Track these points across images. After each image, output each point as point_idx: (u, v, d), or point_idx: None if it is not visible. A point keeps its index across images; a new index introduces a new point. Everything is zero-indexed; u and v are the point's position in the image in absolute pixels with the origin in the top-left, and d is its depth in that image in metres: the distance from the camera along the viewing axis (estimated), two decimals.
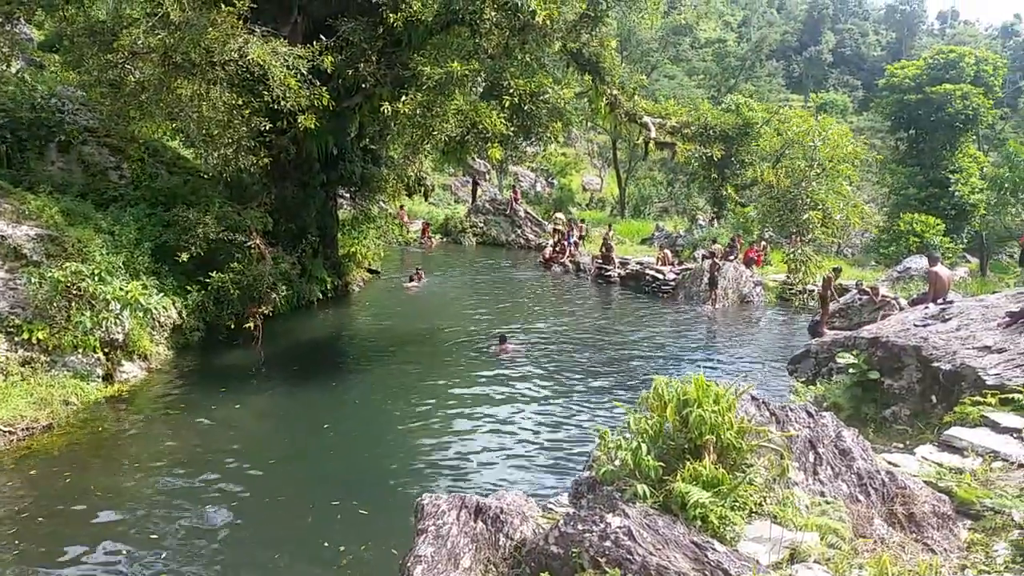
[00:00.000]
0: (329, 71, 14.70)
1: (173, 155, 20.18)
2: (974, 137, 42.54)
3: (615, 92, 19.66)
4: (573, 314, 21.33)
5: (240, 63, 13.57)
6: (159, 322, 14.43)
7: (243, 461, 10.20)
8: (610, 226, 33.42)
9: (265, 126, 14.59)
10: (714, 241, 28.21)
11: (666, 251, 28.03)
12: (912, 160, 40.23)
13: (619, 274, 26.63)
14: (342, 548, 7.80)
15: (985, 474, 6.42)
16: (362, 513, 8.67)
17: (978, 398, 7.80)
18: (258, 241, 15.76)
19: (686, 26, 53.58)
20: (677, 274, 25.17)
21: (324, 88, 14.53)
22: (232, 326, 15.22)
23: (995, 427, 7.29)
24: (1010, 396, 7.61)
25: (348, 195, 23.52)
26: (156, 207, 16.43)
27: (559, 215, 35.48)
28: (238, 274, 15.07)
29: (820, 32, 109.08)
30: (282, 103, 13.83)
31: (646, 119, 20.97)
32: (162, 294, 14.11)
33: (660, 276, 25.24)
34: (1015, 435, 7.10)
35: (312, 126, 14.52)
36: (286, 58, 13.83)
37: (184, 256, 14.70)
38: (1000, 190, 32.86)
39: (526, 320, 19.87)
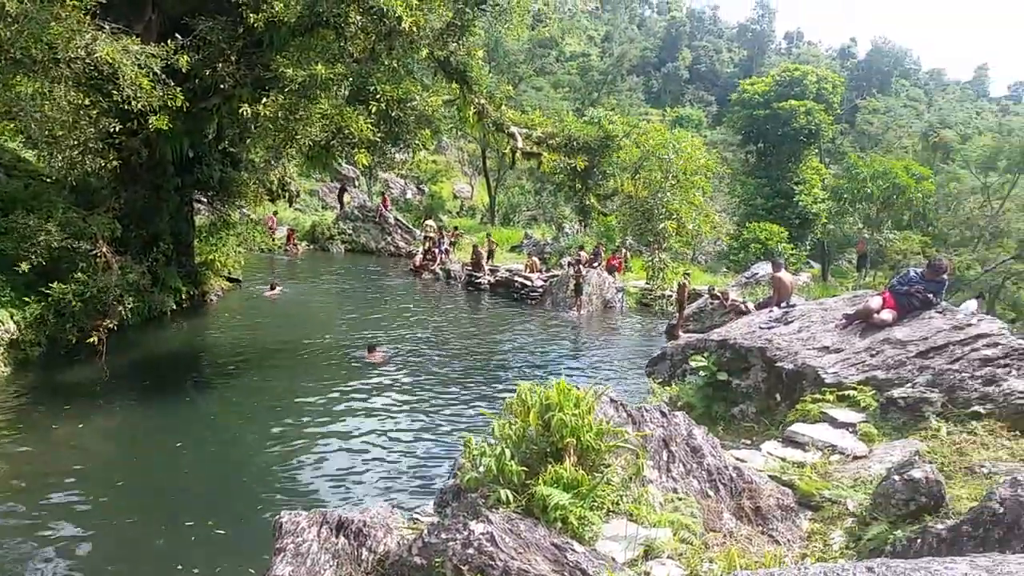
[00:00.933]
0: (185, 71, 14.06)
1: (12, 157, 18.68)
2: (816, 150, 45.79)
3: (483, 101, 19.86)
4: (443, 321, 21.34)
5: (87, 61, 12.72)
6: None
7: (88, 483, 9.53)
8: (489, 234, 33.73)
9: (114, 127, 13.75)
10: (581, 248, 29.02)
11: (534, 258, 28.57)
12: (760, 172, 42.81)
13: (489, 281, 26.90)
14: (196, 570, 7.44)
15: (824, 467, 6.91)
16: (219, 533, 8.30)
17: (818, 395, 8.37)
18: (104, 249, 14.78)
19: (551, 39, 54.80)
20: (545, 281, 25.72)
21: (179, 88, 13.88)
22: (75, 340, 14.21)
23: (833, 422, 7.86)
24: (846, 393, 8.24)
25: (206, 200, 22.50)
26: None
27: (430, 222, 35.43)
28: (81, 285, 14.08)
29: (677, 49, 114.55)
30: (133, 103, 13.08)
31: (513, 129, 21.32)
32: None
33: (528, 283, 25.70)
34: (851, 429, 7.69)
35: (165, 127, 13.79)
36: (138, 56, 13.10)
37: (24, 266, 13.60)
38: (840, 200, 35.62)
39: (395, 328, 19.69)
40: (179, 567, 7.53)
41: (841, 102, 49.02)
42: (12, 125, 15.25)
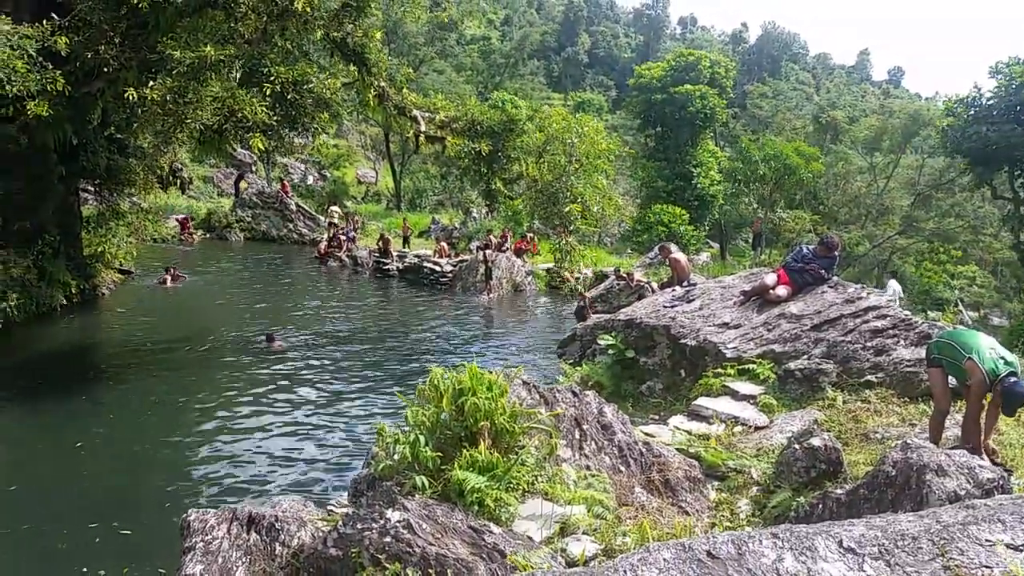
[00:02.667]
0: (64, 53, 13.25)
1: None
2: (712, 134, 47.09)
3: (383, 84, 19.51)
4: (352, 309, 20.99)
5: None
6: None
7: None
8: (404, 219, 33.26)
9: None
10: (489, 232, 29.02)
11: (443, 243, 28.43)
12: (660, 155, 43.62)
13: (397, 267, 26.61)
14: (102, 572, 7.12)
15: (728, 438, 7.15)
16: (124, 534, 7.95)
17: (720, 370, 8.67)
18: None
19: (451, 22, 54.32)
20: (454, 266, 25.63)
21: (59, 72, 13.07)
22: None
23: (735, 395, 8.15)
24: (747, 367, 8.55)
25: (93, 189, 21.34)
26: None
27: (334, 208, 34.71)
28: None
29: (576, 33, 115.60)
30: (7, 87, 12.26)
31: (415, 113, 21.05)
32: None
33: (438, 268, 25.57)
34: (752, 401, 7.99)
35: (45, 113, 13.01)
36: (9, 37, 12.28)
37: None
38: (735, 182, 36.83)
39: (302, 318, 19.24)
40: (84, 570, 7.19)
41: (734, 86, 50.49)
42: None
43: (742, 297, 9.90)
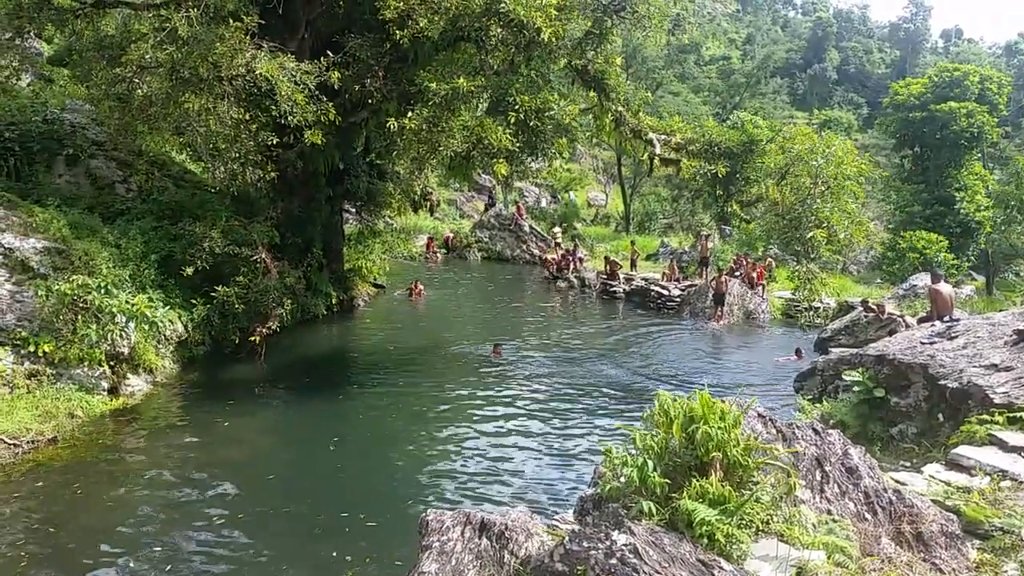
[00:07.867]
0: (336, 87, 14.77)
1: (180, 169, 20.27)
2: (979, 155, 42.45)
3: (620, 109, 19.69)
4: (579, 329, 21.33)
5: (247, 78, 13.65)
6: (165, 336, 14.44)
7: (249, 474, 10.25)
8: (633, 242, 33.50)
9: (272, 140, 14.63)
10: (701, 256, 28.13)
11: (675, 264, 28.06)
12: (917, 178, 40.15)
13: (624, 290, 26.62)
14: (348, 558, 7.82)
15: (993, 493, 6.38)
16: (369, 525, 8.70)
17: (985, 416, 7.75)
18: (264, 255, 15.79)
19: (692, 44, 53.66)
20: (683, 290, 25.16)
21: (331, 103, 14.60)
22: (238, 340, 15.25)
23: (1003, 446, 7.25)
24: (1018, 415, 7.57)
25: (354, 210, 23.57)
26: (163, 221, 16.48)
27: (556, 229, 35.81)
28: (243, 288, 15.10)
29: (824, 50, 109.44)
30: (289, 118, 13.88)
31: (651, 136, 20.99)
32: (168, 307, 14.11)
33: (665, 292, 25.23)
34: (1023, 454, 7.06)
35: (319, 141, 14.57)
36: (293, 73, 13.90)
37: (189, 270, 14.73)
38: (1007, 208, 32.84)
39: (530, 333, 19.89)
40: (333, 554, 7.97)
41: (1007, 103, 45.21)
42: (180, 139, 16.60)
43: (1015, 337, 8.81)
